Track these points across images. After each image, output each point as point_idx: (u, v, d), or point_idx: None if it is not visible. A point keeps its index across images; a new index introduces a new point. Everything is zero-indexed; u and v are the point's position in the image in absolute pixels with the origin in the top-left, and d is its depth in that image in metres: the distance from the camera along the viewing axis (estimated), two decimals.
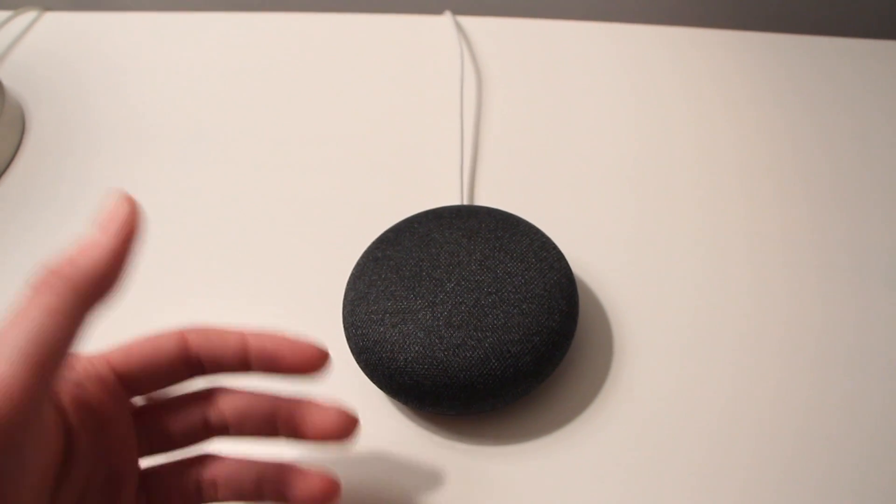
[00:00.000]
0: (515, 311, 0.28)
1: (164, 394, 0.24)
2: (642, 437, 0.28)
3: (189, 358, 0.23)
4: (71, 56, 0.49)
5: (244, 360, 0.23)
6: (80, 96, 0.46)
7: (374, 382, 0.28)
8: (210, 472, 0.23)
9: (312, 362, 0.23)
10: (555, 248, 0.30)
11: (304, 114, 0.43)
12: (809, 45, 0.45)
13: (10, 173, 0.41)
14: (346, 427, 0.24)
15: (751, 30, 0.46)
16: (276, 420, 0.24)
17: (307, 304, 0.33)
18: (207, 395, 0.24)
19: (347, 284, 0.30)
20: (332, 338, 0.32)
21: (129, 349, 0.23)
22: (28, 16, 0.52)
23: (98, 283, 0.19)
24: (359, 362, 0.29)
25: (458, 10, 0.49)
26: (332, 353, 0.31)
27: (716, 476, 0.27)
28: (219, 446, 0.24)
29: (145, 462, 0.24)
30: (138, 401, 0.24)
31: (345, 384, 0.30)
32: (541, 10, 0.49)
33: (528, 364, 0.27)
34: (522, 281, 0.29)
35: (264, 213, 0.37)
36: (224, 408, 0.24)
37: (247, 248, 0.36)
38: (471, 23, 0.47)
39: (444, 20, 0.47)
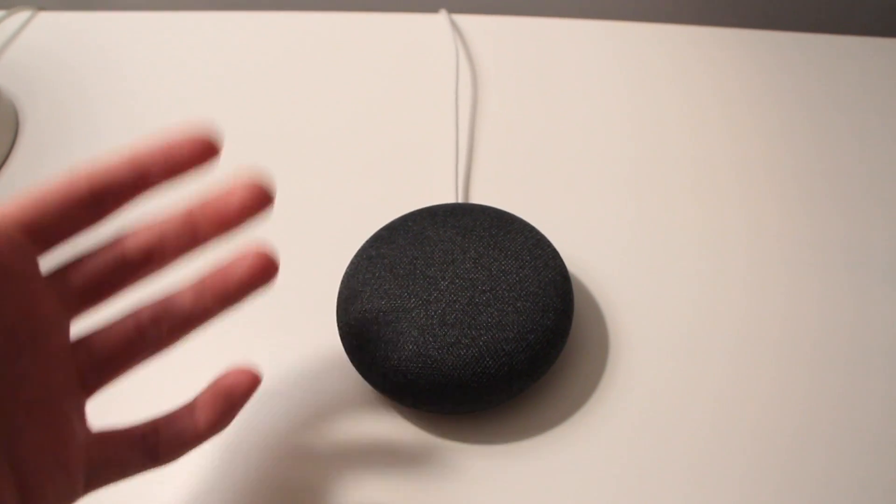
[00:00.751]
0: (510, 309, 0.28)
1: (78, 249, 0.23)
2: (638, 436, 0.28)
3: (81, 194, 0.21)
4: (65, 56, 0.49)
5: (139, 176, 0.22)
6: (74, 96, 0.45)
7: (368, 381, 0.28)
8: (146, 314, 0.23)
9: (203, 149, 0.22)
10: (550, 245, 0.30)
11: (298, 112, 0.43)
12: (806, 43, 0.44)
13: (3, 174, 0.41)
14: (262, 192, 0.23)
15: (747, 27, 0.46)
16: (195, 226, 0.22)
17: (301, 302, 0.33)
18: (117, 236, 0.23)
19: (341, 283, 0.30)
20: (326, 337, 0.32)
21: (24, 200, 0.21)
22: (22, 15, 0.52)
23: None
24: (353, 361, 0.28)
25: (454, 9, 0.48)
26: (326, 352, 0.31)
27: (712, 474, 0.27)
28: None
29: (78, 327, 0.22)
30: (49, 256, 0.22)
31: (339, 383, 0.30)
32: (536, 8, 0.49)
33: (522, 363, 0.27)
34: (517, 279, 0.28)
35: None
36: (137, 238, 0.22)
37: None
38: (466, 21, 0.47)
39: (440, 18, 0.47)
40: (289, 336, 0.32)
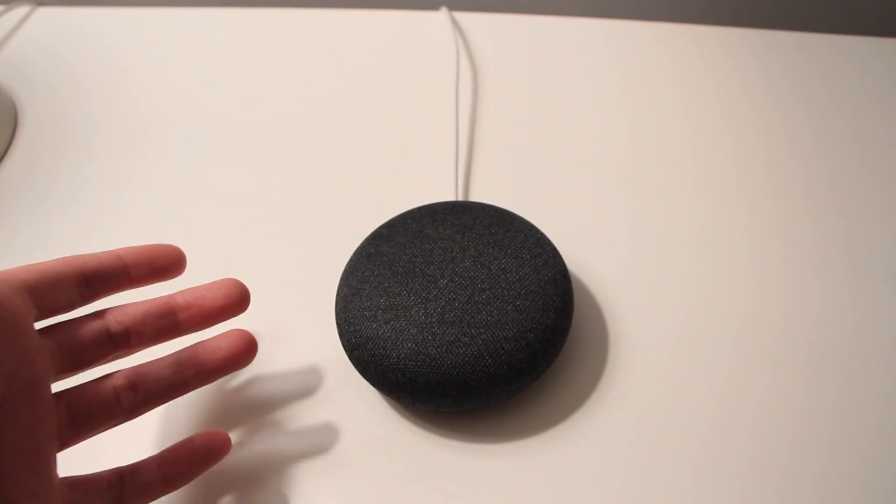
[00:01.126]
0: (509, 307, 0.27)
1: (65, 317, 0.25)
2: (638, 435, 0.28)
3: (74, 275, 0.24)
4: (64, 51, 0.48)
5: (122, 266, 0.25)
6: (73, 91, 0.45)
7: (367, 379, 0.28)
8: (124, 378, 0.24)
9: (175, 261, 0.26)
10: (549, 244, 0.30)
11: (299, 109, 0.42)
12: (806, 42, 0.44)
13: (2, 169, 0.41)
14: (239, 290, 0.26)
15: (747, 26, 0.46)
16: (174, 314, 0.25)
17: (301, 299, 0.33)
18: (103, 311, 0.25)
19: (340, 280, 0.30)
20: (326, 334, 0.32)
21: (23, 266, 0.23)
22: (21, 10, 0.52)
23: None
24: (351, 359, 0.28)
25: (455, 6, 0.48)
26: (325, 349, 0.31)
27: (711, 473, 0.27)
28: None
29: (61, 384, 0.24)
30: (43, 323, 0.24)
31: (338, 381, 0.30)
32: (537, 6, 0.49)
33: (521, 361, 0.27)
34: (517, 277, 0.28)
35: (258, 207, 0.37)
36: (121, 315, 0.25)
37: (240, 243, 0.36)
38: (467, 18, 0.47)
39: (441, 16, 0.47)
40: (288, 333, 0.32)
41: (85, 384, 0.24)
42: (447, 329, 0.27)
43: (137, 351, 0.25)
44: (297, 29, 0.48)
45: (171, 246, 0.26)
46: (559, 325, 0.28)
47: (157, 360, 0.26)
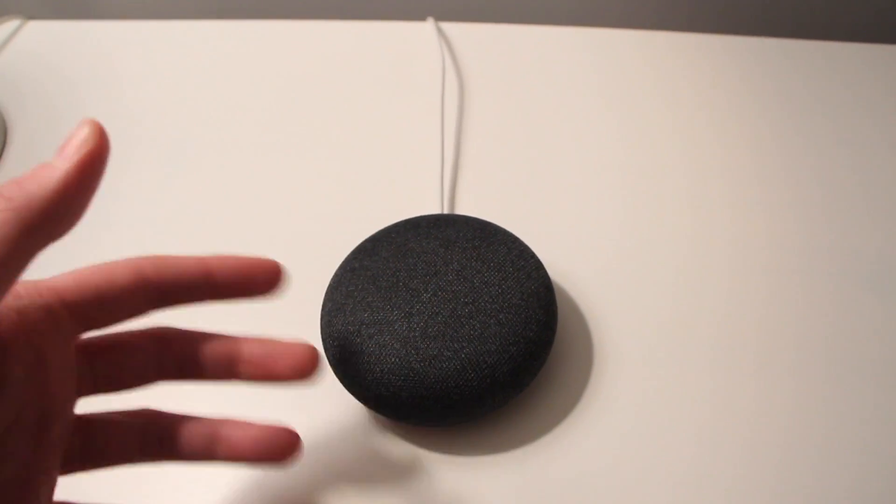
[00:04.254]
0: (492, 321, 0.28)
1: (115, 330, 0.22)
2: (622, 446, 0.28)
3: (146, 287, 0.21)
4: (54, 65, 0.49)
5: (205, 282, 0.22)
6: (63, 105, 0.45)
7: (352, 394, 0.28)
8: (155, 429, 0.22)
9: (272, 277, 0.23)
10: (533, 256, 0.30)
11: (284, 121, 0.43)
12: (792, 49, 0.45)
13: None
14: (311, 360, 0.23)
15: (734, 34, 0.46)
16: (238, 359, 0.23)
17: (286, 314, 0.33)
18: (161, 333, 0.23)
19: (325, 295, 0.30)
20: None
21: (80, 277, 0.21)
22: (11, 24, 0.52)
23: (47, 212, 0.17)
24: (336, 374, 0.29)
25: (441, 17, 0.49)
26: None
27: (697, 486, 0.27)
28: (165, 402, 0.23)
29: (87, 407, 0.22)
30: (86, 335, 0.22)
31: (323, 395, 0.30)
32: (524, 16, 0.49)
33: (504, 375, 0.27)
34: (499, 291, 0.28)
35: (244, 221, 0.37)
36: (179, 346, 0.23)
37: None
38: (453, 29, 0.47)
39: (427, 27, 0.47)
40: None
41: (109, 422, 0.22)
42: (430, 343, 0.27)
43: (181, 382, 0.23)
44: (284, 41, 0.48)
45: (271, 262, 0.23)
46: (542, 337, 0.28)
47: (194, 419, 0.23)
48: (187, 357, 0.23)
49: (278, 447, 0.23)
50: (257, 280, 0.23)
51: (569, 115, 0.41)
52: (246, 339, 0.23)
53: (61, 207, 0.18)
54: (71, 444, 0.21)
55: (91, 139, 0.19)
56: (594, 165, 0.39)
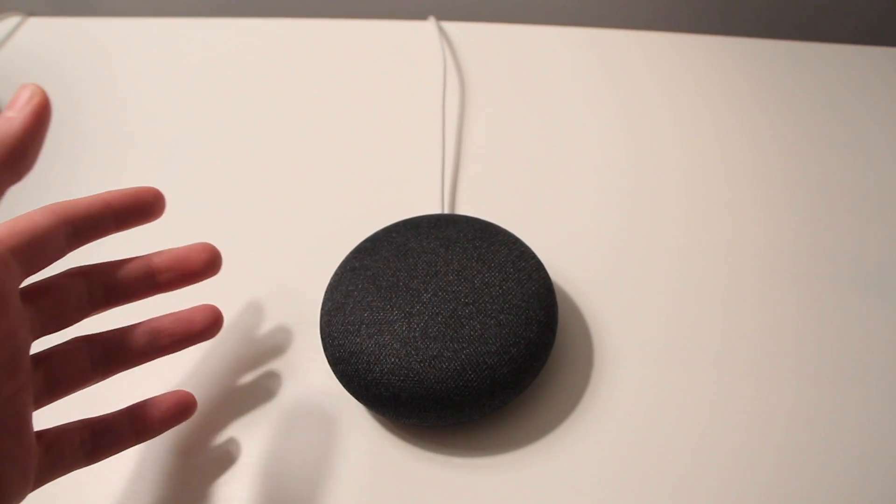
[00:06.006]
0: (492, 321, 0.27)
1: (46, 274, 0.25)
2: (622, 449, 0.28)
3: (64, 226, 0.24)
4: (54, 61, 0.48)
5: (108, 212, 0.25)
6: (63, 102, 0.45)
7: (351, 393, 0.28)
8: (98, 346, 0.25)
9: (155, 201, 0.27)
10: (534, 257, 0.30)
11: (285, 120, 0.42)
12: (794, 51, 0.45)
13: None
14: (215, 252, 0.28)
15: (735, 35, 0.46)
16: (153, 271, 0.26)
17: (285, 313, 0.33)
18: (84, 270, 0.25)
19: (325, 294, 0.30)
20: (311, 348, 0.32)
21: (10, 226, 0.23)
22: (11, 21, 0.52)
23: (14, 152, 0.21)
24: (336, 373, 0.28)
25: (442, 16, 0.48)
26: (310, 363, 0.31)
27: (698, 487, 0.27)
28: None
29: (36, 346, 0.24)
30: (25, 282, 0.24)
31: (322, 395, 0.30)
32: (525, 15, 0.49)
33: (505, 376, 0.27)
34: (500, 291, 0.28)
35: (242, 220, 0.37)
36: (100, 276, 0.25)
37: (226, 256, 0.36)
38: (454, 28, 0.47)
39: (428, 26, 0.47)
40: (273, 347, 0.32)
41: (60, 349, 0.25)
42: (430, 344, 0.27)
43: (117, 306, 0.26)
44: (284, 39, 0.48)
45: (152, 188, 0.27)
46: (543, 338, 0.28)
47: (131, 326, 0.26)
48: (111, 284, 0.26)
49: (208, 321, 0.28)
50: (144, 203, 0.26)
51: (570, 116, 0.41)
52: (156, 253, 0.27)
53: (23, 149, 0.22)
54: (36, 379, 0.23)
55: (35, 95, 0.22)
56: (595, 166, 0.38)
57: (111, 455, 0.25)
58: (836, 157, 0.38)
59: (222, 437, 0.29)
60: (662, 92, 0.42)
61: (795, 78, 0.43)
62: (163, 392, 0.27)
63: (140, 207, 0.26)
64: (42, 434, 0.23)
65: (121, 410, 0.26)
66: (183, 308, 0.28)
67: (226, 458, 0.29)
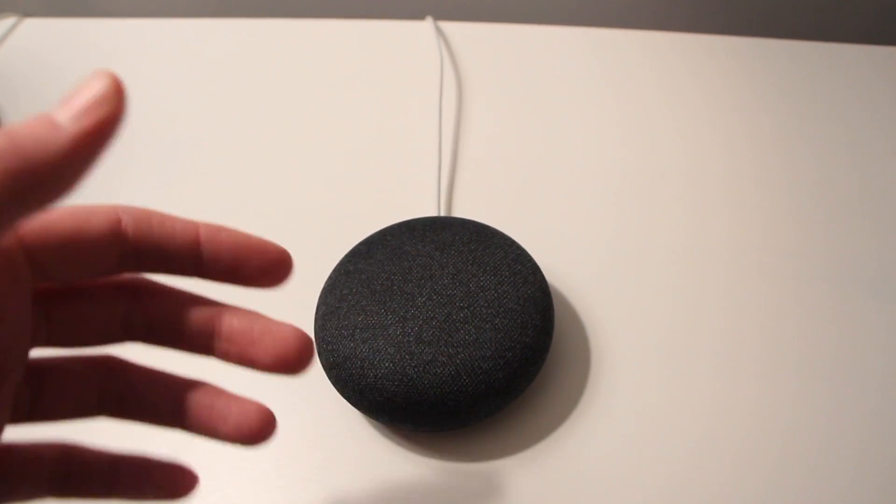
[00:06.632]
0: (488, 326, 0.27)
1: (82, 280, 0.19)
2: (619, 453, 0.28)
3: (123, 243, 0.18)
4: (50, 62, 0.48)
5: (193, 253, 0.19)
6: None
7: (346, 398, 0.28)
8: (117, 384, 0.20)
9: (277, 263, 0.20)
10: (530, 260, 0.30)
11: (281, 121, 0.42)
12: (795, 51, 0.44)
13: None
14: (298, 350, 0.20)
15: (735, 34, 0.46)
16: (216, 332, 0.20)
17: (280, 317, 0.33)
18: (133, 287, 0.20)
19: (319, 298, 0.30)
20: None
21: (50, 220, 0.18)
22: (6, 22, 0.52)
23: (42, 178, 0.14)
24: (330, 378, 0.28)
25: (440, 16, 0.48)
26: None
27: (695, 492, 0.27)
28: (132, 353, 0.20)
29: (38, 353, 0.19)
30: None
31: (317, 399, 0.30)
32: (523, 15, 0.49)
33: (500, 380, 0.27)
34: (495, 295, 0.28)
35: (237, 222, 0.37)
36: (152, 306, 0.19)
37: None
38: (452, 28, 0.47)
39: (425, 26, 0.47)
40: None
41: (65, 372, 0.20)
42: (424, 348, 0.27)
43: (154, 346, 0.20)
44: (281, 39, 0.48)
45: (272, 245, 0.20)
46: (539, 343, 0.28)
47: (161, 379, 0.21)
48: (160, 317, 0.20)
49: (257, 429, 0.21)
50: (252, 264, 0.19)
51: (568, 117, 0.41)
52: (230, 308, 0.20)
53: (60, 175, 0.15)
54: (20, 394, 0.18)
55: (108, 99, 0.15)
56: (593, 168, 0.38)
57: (80, 499, 0.20)
58: (837, 157, 0.38)
59: (210, 443, 0.29)
60: (661, 93, 0.42)
61: (796, 78, 0.42)
62: (160, 454, 0.21)
63: (243, 266, 0.19)
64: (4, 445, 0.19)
65: (105, 452, 0.20)
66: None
67: (219, 464, 0.28)
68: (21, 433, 0.20)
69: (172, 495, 0.21)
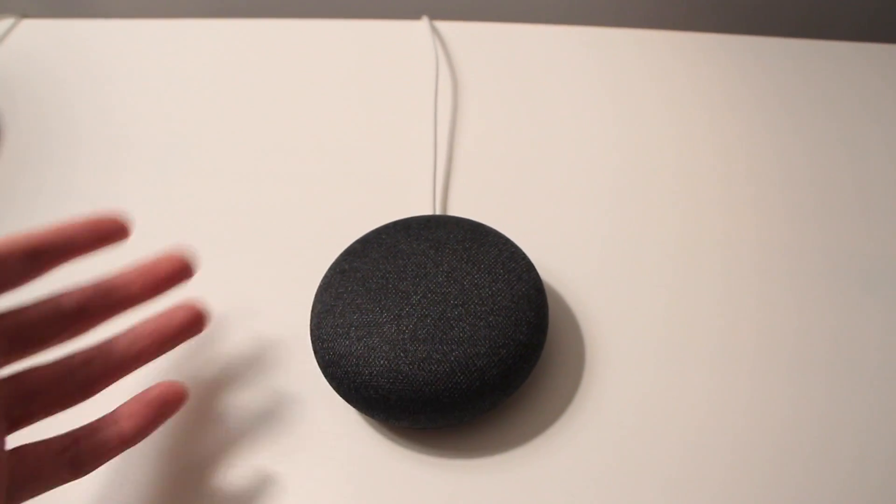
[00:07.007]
0: (482, 323, 0.27)
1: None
2: (614, 450, 0.28)
3: (16, 251, 0.23)
4: (49, 63, 0.48)
5: (66, 238, 0.24)
6: (58, 104, 0.45)
7: (341, 396, 0.28)
8: (77, 357, 0.25)
9: (116, 228, 0.25)
10: (524, 258, 0.30)
11: (276, 120, 0.42)
12: (789, 48, 0.44)
13: None
14: (187, 262, 0.27)
15: (729, 33, 0.46)
16: (127, 286, 0.25)
17: (276, 316, 0.33)
18: (54, 294, 0.25)
19: (315, 297, 0.30)
20: (301, 350, 0.32)
21: None
22: (5, 22, 0.52)
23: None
24: (325, 376, 0.28)
25: (436, 16, 0.48)
26: (301, 365, 0.31)
27: (689, 489, 0.27)
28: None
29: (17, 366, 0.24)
30: None
31: (313, 397, 0.30)
32: (518, 14, 0.49)
33: (494, 378, 0.27)
34: (489, 293, 0.28)
35: (232, 222, 0.37)
36: (73, 293, 0.24)
37: (216, 258, 0.36)
38: (448, 28, 0.47)
39: (421, 25, 0.47)
40: (264, 349, 0.32)
41: (38, 364, 0.24)
42: (419, 346, 0.27)
43: (92, 327, 0.25)
44: (275, 39, 0.48)
45: (112, 214, 0.26)
46: (533, 340, 0.28)
47: (110, 337, 0.26)
48: (86, 300, 0.25)
49: (188, 317, 0.27)
50: (102, 231, 0.25)
51: (563, 116, 0.41)
52: (126, 268, 0.26)
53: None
54: (9, 395, 0.23)
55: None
56: (588, 167, 0.38)
57: (99, 464, 0.24)
58: (831, 153, 0.38)
59: (210, 440, 0.29)
60: (656, 91, 0.42)
61: (790, 75, 0.43)
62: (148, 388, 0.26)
63: (101, 232, 0.25)
64: (16, 447, 0.23)
65: (104, 416, 0.25)
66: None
67: (214, 462, 0.29)
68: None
69: (173, 406, 0.26)
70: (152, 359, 0.26)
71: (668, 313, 0.32)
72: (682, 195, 0.37)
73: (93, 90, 0.46)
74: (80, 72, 0.47)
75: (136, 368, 0.26)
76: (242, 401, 0.30)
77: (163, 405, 0.26)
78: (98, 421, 0.25)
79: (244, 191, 0.39)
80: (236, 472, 0.28)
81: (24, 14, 0.53)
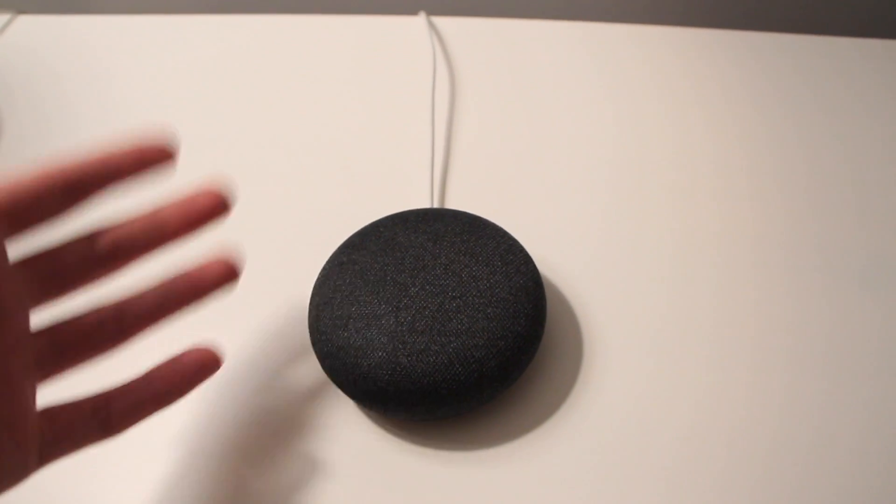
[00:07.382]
0: (480, 315, 0.27)
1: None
2: (611, 442, 0.28)
3: (52, 181, 0.22)
4: (45, 59, 0.48)
5: (107, 166, 0.23)
6: (54, 100, 0.45)
7: (340, 388, 0.28)
8: (108, 308, 0.24)
9: (162, 153, 0.24)
10: (522, 251, 0.30)
11: (275, 114, 0.42)
12: (786, 44, 0.44)
13: None
14: (224, 196, 0.25)
15: (727, 28, 0.46)
16: (162, 225, 0.24)
17: (275, 308, 0.33)
18: (87, 232, 0.23)
19: (313, 289, 0.30)
20: (299, 343, 0.32)
21: (6, 187, 0.21)
22: (1, 19, 0.52)
23: None
24: (324, 368, 0.28)
25: (433, 11, 0.48)
26: (300, 358, 0.31)
27: (687, 482, 0.27)
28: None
29: (47, 317, 0.23)
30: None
31: (312, 389, 0.30)
32: (516, 10, 0.49)
33: (492, 369, 0.27)
34: (487, 285, 0.28)
35: (231, 215, 0.37)
36: (107, 234, 0.23)
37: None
38: (445, 23, 0.47)
39: (418, 20, 0.47)
40: (262, 341, 0.32)
41: (69, 315, 0.23)
42: (417, 337, 0.27)
43: (127, 266, 0.24)
44: (273, 35, 0.48)
45: (156, 136, 0.24)
46: (531, 332, 0.28)
47: (141, 289, 0.24)
48: (120, 238, 0.23)
49: (222, 269, 0.26)
50: (146, 158, 0.24)
51: (560, 110, 0.41)
52: (160, 204, 0.25)
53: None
54: (40, 347, 0.22)
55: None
56: (585, 160, 0.38)
57: (130, 425, 0.23)
58: (828, 149, 0.38)
59: (209, 433, 0.29)
60: (653, 86, 0.42)
61: (787, 71, 0.43)
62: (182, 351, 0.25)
63: (143, 161, 0.24)
64: (47, 407, 0.22)
65: (137, 376, 0.24)
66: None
67: (214, 454, 0.29)
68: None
69: (209, 372, 0.25)
70: (182, 311, 0.25)
71: (664, 306, 0.32)
72: (679, 189, 0.37)
73: (90, 86, 0.46)
74: (77, 68, 0.47)
75: (165, 321, 0.25)
76: (240, 393, 0.30)
77: (198, 369, 0.25)
78: (131, 382, 0.24)
79: (242, 184, 0.39)
80: (233, 463, 0.28)
81: (21, 10, 0.53)
